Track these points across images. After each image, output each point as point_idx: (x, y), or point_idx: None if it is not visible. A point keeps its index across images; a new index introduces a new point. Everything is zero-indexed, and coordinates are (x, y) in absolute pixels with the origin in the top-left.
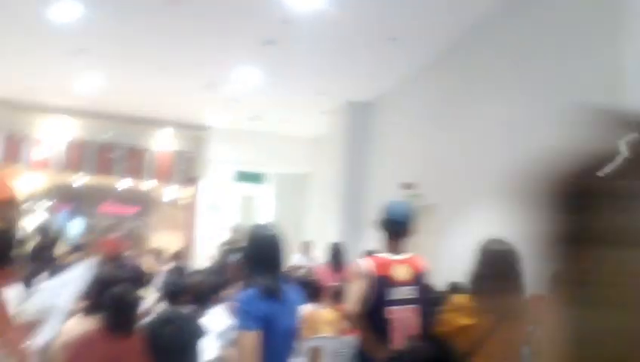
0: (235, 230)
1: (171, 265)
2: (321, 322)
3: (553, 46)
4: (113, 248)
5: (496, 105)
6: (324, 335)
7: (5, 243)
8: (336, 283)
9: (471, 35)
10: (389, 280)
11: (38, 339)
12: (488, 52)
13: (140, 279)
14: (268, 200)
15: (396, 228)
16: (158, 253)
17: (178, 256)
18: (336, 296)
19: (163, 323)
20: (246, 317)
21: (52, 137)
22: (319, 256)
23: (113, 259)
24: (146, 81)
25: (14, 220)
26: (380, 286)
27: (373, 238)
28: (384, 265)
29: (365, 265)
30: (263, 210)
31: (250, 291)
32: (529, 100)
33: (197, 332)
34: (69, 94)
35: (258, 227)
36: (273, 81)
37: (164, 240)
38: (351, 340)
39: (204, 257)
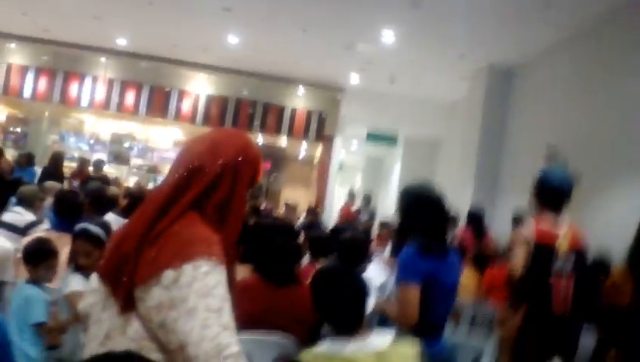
0: (366, 197)
1: (304, 219)
2: (461, 285)
3: None
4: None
5: None
6: (463, 299)
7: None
8: (477, 249)
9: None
10: (551, 249)
11: None
12: None
13: (294, 231)
14: (397, 162)
15: (557, 196)
16: (292, 208)
17: (313, 211)
18: (477, 261)
19: (333, 276)
20: (408, 271)
21: (194, 92)
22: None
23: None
24: (286, 40)
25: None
26: (543, 255)
27: (508, 206)
28: (547, 234)
29: (530, 232)
30: (392, 172)
31: (413, 247)
32: None
33: (363, 287)
34: (212, 51)
35: (422, 187)
36: (413, 42)
37: (295, 195)
38: (488, 306)
39: (333, 214)
